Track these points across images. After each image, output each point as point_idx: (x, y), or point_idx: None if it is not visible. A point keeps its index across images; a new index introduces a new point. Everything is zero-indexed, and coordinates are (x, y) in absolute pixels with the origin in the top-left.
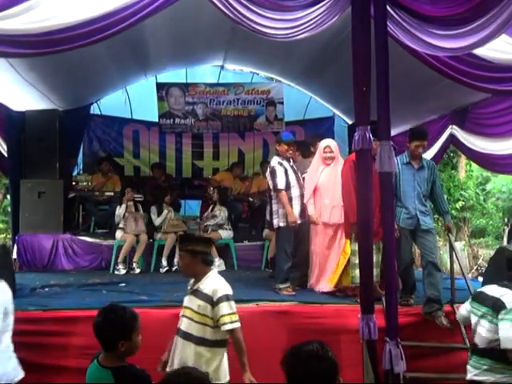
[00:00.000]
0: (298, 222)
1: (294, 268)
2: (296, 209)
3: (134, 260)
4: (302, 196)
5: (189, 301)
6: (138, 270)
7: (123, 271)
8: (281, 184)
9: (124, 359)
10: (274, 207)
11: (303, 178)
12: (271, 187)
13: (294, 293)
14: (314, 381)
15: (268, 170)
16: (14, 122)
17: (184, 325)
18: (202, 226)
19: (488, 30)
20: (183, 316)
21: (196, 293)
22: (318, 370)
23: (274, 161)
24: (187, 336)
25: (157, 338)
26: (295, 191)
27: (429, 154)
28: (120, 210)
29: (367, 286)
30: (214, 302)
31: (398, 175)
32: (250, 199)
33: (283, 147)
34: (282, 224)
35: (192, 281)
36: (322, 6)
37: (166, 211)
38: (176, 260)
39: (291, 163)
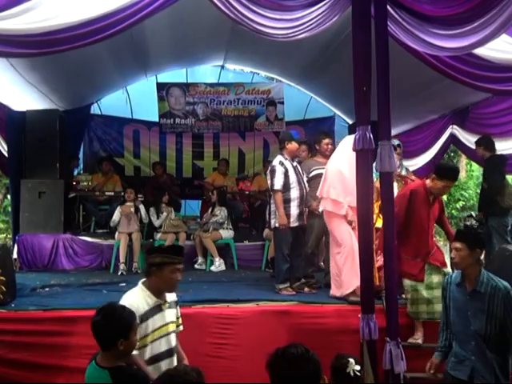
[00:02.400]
0: (295, 224)
1: (295, 269)
2: (294, 210)
3: (135, 260)
4: (301, 198)
5: (166, 315)
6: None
7: (125, 272)
8: (277, 185)
9: (121, 359)
10: (272, 207)
11: (312, 178)
12: (269, 186)
13: (294, 293)
14: (302, 381)
15: (268, 168)
16: (15, 122)
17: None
18: (202, 223)
19: (488, 30)
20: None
21: (167, 304)
22: (305, 371)
23: (276, 160)
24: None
25: None
26: (295, 192)
27: (429, 154)
28: (114, 217)
29: (367, 285)
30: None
31: (448, 300)
32: (246, 192)
33: (294, 146)
34: (278, 225)
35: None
36: (323, 5)
37: (165, 213)
38: None
39: (295, 163)
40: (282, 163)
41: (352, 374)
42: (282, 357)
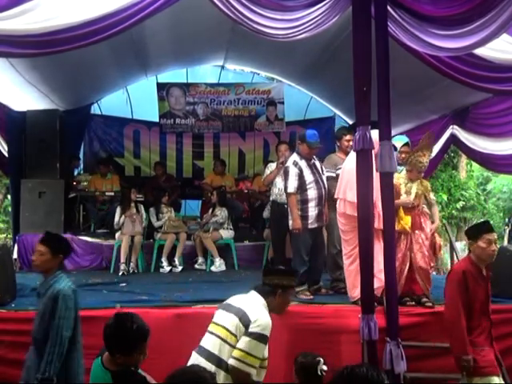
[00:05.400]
0: (313, 226)
1: (313, 271)
2: (312, 211)
3: (132, 261)
4: (320, 197)
5: None
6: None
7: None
8: (290, 187)
9: (127, 364)
10: (289, 208)
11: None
12: (283, 188)
13: (311, 296)
14: None
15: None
16: (15, 122)
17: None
18: (202, 224)
19: (488, 30)
20: None
21: None
22: None
23: (290, 160)
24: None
25: (157, 338)
26: (312, 192)
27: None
28: (117, 219)
29: (367, 285)
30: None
31: None
32: (245, 191)
33: (304, 148)
34: (292, 228)
35: None
36: (323, 5)
37: (166, 215)
38: (177, 259)
39: (312, 161)
40: (296, 163)
41: (320, 373)
42: (349, 377)
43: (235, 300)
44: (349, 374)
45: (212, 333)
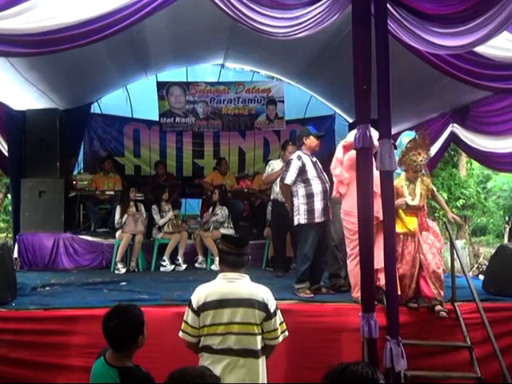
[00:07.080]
0: (320, 220)
1: (315, 270)
2: (318, 205)
3: (132, 260)
4: (324, 192)
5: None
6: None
7: (123, 270)
8: (288, 179)
9: (131, 359)
10: (295, 203)
11: None
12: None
13: (312, 295)
14: None
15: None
16: (15, 121)
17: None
18: (202, 223)
19: (488, 28)
20: None
21: None
22: None
23: (295, 154)
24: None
25: (157, 337)
26: (317, 186)
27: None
28: (118, 218)
29: (368, 284)
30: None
31: None
32: (245, 190)
33: (313, 141)
34: (302, 221)
35: None
36: (322, 4)
37: (171, 213)
38: (181, 258)
39: (314, 159)
40: (299, 157)
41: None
42: (343, 376)
43: (230, 292)
44: (343, 371)
45: (231, 333)
